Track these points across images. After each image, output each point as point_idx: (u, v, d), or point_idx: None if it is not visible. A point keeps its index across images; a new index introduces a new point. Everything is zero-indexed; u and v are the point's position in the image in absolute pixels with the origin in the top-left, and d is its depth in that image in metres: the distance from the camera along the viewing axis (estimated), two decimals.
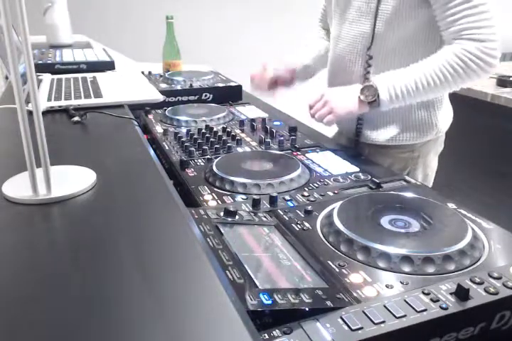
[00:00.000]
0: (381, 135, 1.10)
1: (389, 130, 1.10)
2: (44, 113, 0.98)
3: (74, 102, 1.05)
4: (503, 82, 1.77)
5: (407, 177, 0.81)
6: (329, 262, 0.55)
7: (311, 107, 1.01)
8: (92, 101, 1.09)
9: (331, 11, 1.13)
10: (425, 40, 1.00)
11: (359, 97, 0.96)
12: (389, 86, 0.94)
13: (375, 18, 0.99)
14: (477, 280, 0.49)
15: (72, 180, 0.64)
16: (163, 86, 1.39)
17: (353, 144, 1.16)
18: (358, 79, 1.06)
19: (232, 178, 0.77)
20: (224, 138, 1.01)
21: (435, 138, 1.13)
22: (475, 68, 0.91)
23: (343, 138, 1.23)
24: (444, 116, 1.12)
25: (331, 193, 0.74)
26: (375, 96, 0.94)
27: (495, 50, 0.91)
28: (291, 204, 0.70)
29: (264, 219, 0.65)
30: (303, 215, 0.66)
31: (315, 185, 0.78)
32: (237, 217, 0.64)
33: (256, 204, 0.69)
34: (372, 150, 1.13)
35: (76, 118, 0.95)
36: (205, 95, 1.37)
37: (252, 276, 0.49)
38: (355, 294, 0.49)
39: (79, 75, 1.39)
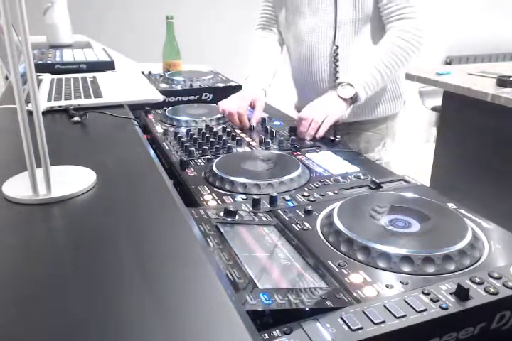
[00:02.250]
0: (356, 112, 1.22)
1: (363, 106, 1.21)
2: (44, 113, 0.98)
3: (74, 102, 1.05)
4: (503, 82, 1.77)
5: (407, 177, 0.81)
6: (329, 262, 0.55)
7: (305, 127, 1.04)
8: (92, 101, 1.09)
9: (288, 9, 1.22)
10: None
11: (339, 96, 1.06)
12: (361, 81, 1.06)
13: (336, 6, 1.13)
14: (477, 280, 0.49)
15: (72, 180, 0.64)
16: (163, 86, 1.39)
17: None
18: (328, 71, 1.20)
19: (232, 178, 0.77)
20: (224, 138, 1.01)
21: (400, 110, 1.31)
22: (415, 44, 1.08)
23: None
24: (405, 85, 1.29)
25: (331, 193, 0.74)
26: (353, 93, 1.06)
27: (422, 25, 1.09)
28: (291, 204, 0.70)
29: (264, 219, 0.65)
30: (303, 215, 0.66)
31: (315, 185, 0.78)
32: (237, 217, 0.64)
33: (256, 204, 0.69)
34: (349, 128, 1.25)
35: (76, 118, 0.95)
36: (205, 95, 1.37)
37: (252, 276, 0.49)
38: (355, 294, 0.49)
39: (79, 75, 1.39)
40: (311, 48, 1.20)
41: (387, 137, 1.29)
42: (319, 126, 1.03)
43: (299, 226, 0.63)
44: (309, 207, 0.66)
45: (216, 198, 0.73)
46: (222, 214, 0.64)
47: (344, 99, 1.06)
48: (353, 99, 1.07)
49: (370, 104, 1.23)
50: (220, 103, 1.17)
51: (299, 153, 0.95)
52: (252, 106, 1.16)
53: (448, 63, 3.61)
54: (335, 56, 1.16)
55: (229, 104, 1.14)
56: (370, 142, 1.26)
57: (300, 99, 1.36)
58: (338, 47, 1.15)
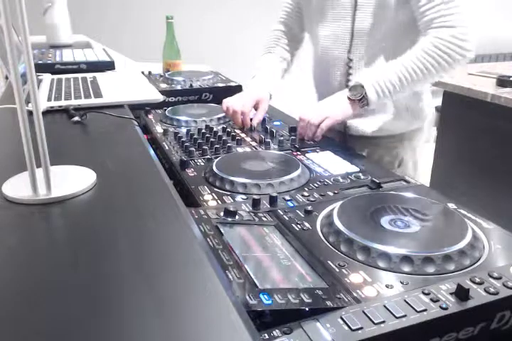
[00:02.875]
0: (370, 126, 1.14)
1: (378, 120, 1.13)
2: (44, 113, 0.98)
3: (74, 102, 1.05)
4: (503, 82, 1.77)
5: (407, 177, 0.81)
6: (329, 262, 0.55)
7: (302, 128, 1.02)
8: (92, 101, 1.09)
9: (312, 11, 1.17)
10: (406, 36, 1.06)
11: (348, 97, 1.00)
12: (373, 83, 0.98)
13: (354, 13, 1.06)
14: (477, 280, 0.49)
15: (72, 180, 0.64)
16: (163, 86, 1.39)
17: (341, 138, 1.17)
18: (339, 83, 1.14)
19: (232, 178, 0.77)
20: (224, 138, 1.01)
21: (422, 126, 1.20)
22: (452, 54, 0.95)
23: (331, 133, 1.24)
24: (429, 102, 1.19)
25: (331, 193, 0.74)
26: (362, 94, 0.99)
27: (468, 35, 0.95)
28: (291, 204, 0.70)
29: (264, 219, 0.65)
30: (303, 215, 0.66)
31: (315, 185, 0.78)
32: (237, 217, 0.64)
33: (256, 204, 0.69)
34: (362, 142, 1.17)
35: (76, 118, 0.95)
36: (205, 95, 1.37)
37: (252, 276, 0.49)
38: (355, 294, 0.49)
39: (79, 75, 1.39)
40: (327, 54, 1.16)
41: (404, 154, 1.20)
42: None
43: (299, 226, 0.63)
44: (309, 207, 0.67)
45: (216, 198, 0.73)
46: (222, 214, 0.64)
47: (352, 101, 1.00)
48: (363, 102, 1.00)
49: (385, 120, 1.15)
50: (224, 100, 1.16)
51: (299, 153, 0.95)
52: (255, 108, 1.15)
53: None
54: (348, 69, 1.12)
55: (234, 102, 1.13)
56: (384, 158, 1.18)
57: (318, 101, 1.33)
58: (351, 60, 1.10)
